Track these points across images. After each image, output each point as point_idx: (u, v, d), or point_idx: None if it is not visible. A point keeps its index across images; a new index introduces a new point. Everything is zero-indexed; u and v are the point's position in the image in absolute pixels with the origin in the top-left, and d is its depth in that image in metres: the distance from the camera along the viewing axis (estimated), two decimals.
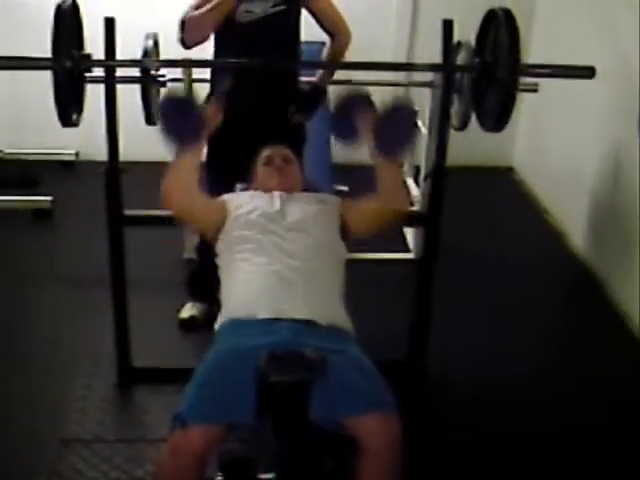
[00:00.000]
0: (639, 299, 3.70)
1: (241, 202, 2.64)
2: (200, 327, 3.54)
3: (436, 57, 2.90)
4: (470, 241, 4.59)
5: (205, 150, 3.30)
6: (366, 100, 2.62)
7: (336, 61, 3.33)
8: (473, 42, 2.79)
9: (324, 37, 3.35)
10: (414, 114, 2.61)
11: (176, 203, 2.55)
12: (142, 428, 3.00)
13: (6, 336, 3.53)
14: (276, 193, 2.66)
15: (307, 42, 3.38)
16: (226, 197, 2.71)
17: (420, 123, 4.55)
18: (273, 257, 2.44)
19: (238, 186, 2.93)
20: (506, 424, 3.08)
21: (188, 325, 3.60)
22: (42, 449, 2.84)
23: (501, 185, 5.64)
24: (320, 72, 3.40)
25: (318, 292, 2.43)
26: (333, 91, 3.65)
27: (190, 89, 3.38)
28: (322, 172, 4.19)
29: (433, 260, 3.16)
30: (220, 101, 2.73)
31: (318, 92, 3.38)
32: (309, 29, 3.32)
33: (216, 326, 2.44)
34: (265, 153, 2.82)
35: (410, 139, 2.60)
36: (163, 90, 3.24)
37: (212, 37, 3.18)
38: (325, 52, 3.34)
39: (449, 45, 2.87)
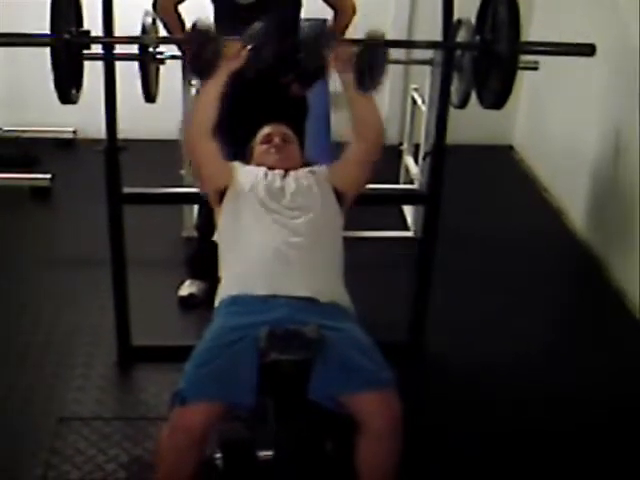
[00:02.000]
0: (639, 278, 3.70)
1: (246, 175, 2.63)
2: (200, 304, 3.55)
3: (436, 35, 2.88)
4: (470, 220, 4.59)
5: None
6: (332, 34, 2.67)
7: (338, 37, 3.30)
8: (473, 20, 2.77)
9: (324, 14, 3.33)
10: (386, 50, 2.62)
11: (192, 138, 2.59)
12: (142, 406, 3.01)
13: (5, 315, 3.54)
14: (276, 171, 2.65)
15: (308, 19, 3.35)
16: (235, 164, 2.69)
17: (420, 100, 4.55)
18: (273, 234, 2.44)
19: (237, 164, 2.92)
20: (506, 403, 3.10)
21: (187, 302, 3.61)
22: (41, 427, 2.84)
23: (501, 163, 5.63)
24: None
25: (318, 269, 2.43)
26: None
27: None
28: (322, 150, 4.17)
29: (432, 238, 3.16)
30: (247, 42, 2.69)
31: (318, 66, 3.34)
32: (310, 4, 3.29)
33: (216, 303, 2.44)
34: (264, 132, 2.81)
35: (383, 74, 2.59)
36: (162, 67, 3.24)
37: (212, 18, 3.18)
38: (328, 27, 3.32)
39: (449, 23, 2.86)
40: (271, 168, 2.68)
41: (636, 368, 3.35)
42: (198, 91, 2.51)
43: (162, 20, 3.23)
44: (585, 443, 2.91)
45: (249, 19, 3.06)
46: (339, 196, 2.61)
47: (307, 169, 2.70)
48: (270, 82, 3.21)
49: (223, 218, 2.57)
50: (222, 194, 2.58)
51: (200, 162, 2.62)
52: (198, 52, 2.48)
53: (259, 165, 2.72)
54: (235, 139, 2.99)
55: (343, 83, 2.61)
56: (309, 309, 2.29)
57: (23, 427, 2.85)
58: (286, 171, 2.66)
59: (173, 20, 3.19)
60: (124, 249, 3.09)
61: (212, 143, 2.58)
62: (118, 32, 2.77)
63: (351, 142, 2.62)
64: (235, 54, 2.56)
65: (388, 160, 4.92)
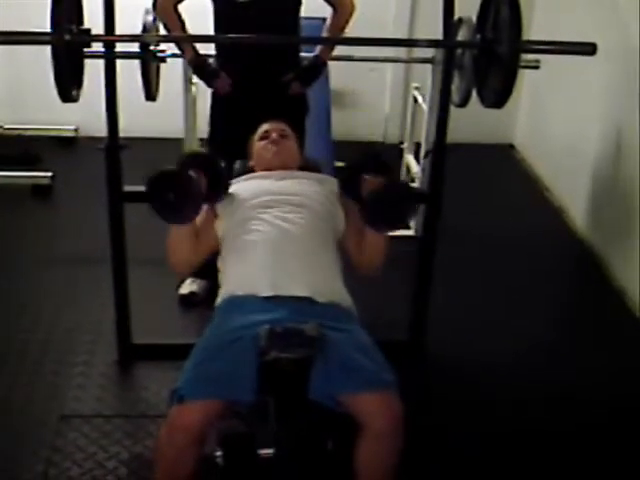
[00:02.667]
0: (638, 276, 3.70)
1: (235, 197, 2.59)
2: (200, 303, 3.55)
3: (437, 33, 2.88)
4: (470, 218, 4.59)
5: (208, 127, 3.33)
6: (377, 162, 2.61)
7: (337, 36, 3.31)
8: (474, 18, 2.77)
9: (324, 12, 3.34)
10: (411, 191, 2.54)
11: (188, 270, 2.67)
12: (142, 404, 3.01)
13: (6, 313, 3.54)
14: (274, 172, 2.67)
15: (307, 18, 3.36)
16: (218, 208, 2.59)
17: (421, 99, 4.55)
18: (272, 234, 2.44)
19: (237, 162, 2.94)
20: (506, 402, 3.10)
21: (188, 301, 3.61)
22: (42, 424, 2.85)
23: (502, 162, 5.64)
24: (320, 46, 3.38)
25: (318, 268, 2.43)
26: (333, 66, 3.68)
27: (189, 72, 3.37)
28: (322, 148, 4.17)
29: (433, 237, 3.16)
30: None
31: (318, 63, 3.35)
32: (310, 3, 3.30)
33: (216, 302, 2.44)
34: (262, 128, 2.84)
35: (402, 219, 2.53)
36: (163, 65, 3.24)
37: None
38: (326, 26, 3.32)
39: (450, 21, 2.86)
40: (267, 164, 2.69)
41: (636, 367, 3.35)
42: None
43: (162, 20, 3.23)
44: (585, 443, 2.91)
45: (248, 18, 3.09)
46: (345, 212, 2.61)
47: (313, 175, 2.72)
48: (270, 81, 3.22)
49: (222, 219, 2.57)
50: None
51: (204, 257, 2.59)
52: (176, 201, 2.34)
53: (258, 161, 2.76)
54: (236, 138, 2.99)
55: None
56: (309, 309, 2.28)
57: (24, 425, 2.85)
58: (284, 168, 2.68)
59: (173, 20, 3.19)
60: (125, 247, 3.09)
61: (199, 250, 2.53)
62: (119, 30, 2.76)
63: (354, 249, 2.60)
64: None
65: (389, 158, 4.94)
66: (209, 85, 3.32)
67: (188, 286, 3.66)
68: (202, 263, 2.58)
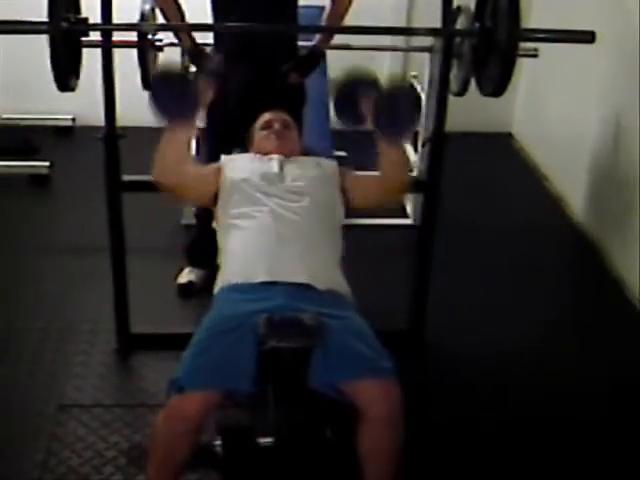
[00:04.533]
0: (638, 266, 3.71)
1: (238, 165, 2.64)
2: (199, 292, 3.55)
3: (435, 22, 2.88)
4: (469, 207, 4.59)
5: (204, 117, 3.32)
6: (370, 83, 2.60)
7: (335, 25, 3.30)
8: (473, 7, 2.76)
9: (322, 1, 3.33)
10: (413, 94, 2.59)
11: (168, 182, 2.55)
12: (141, 393, 3.02)
13: (4, 303, 3.54)
14: (275, 156, 2.66)
15: (305, 6, 3.35)
16: (223, 160, 2.70)
17: (419, 88, 4.54)
18: (271, 220, 2.45)
19: (236, 151, 2.91)
20: (507, 390, 3.11)
21: (186, 290, 3.61)
22: (41, 414, 2.86)
23: (500, 151, 5.61)
24: (318, 35, 3.37)
25: (316, 255, 2.43)
26: (331, 55, 3.67)
27: (185, 61, 3.40)
28: (321, 137, 4.17)
29: (432, 226, 3.16)
30: (210, 78, 2.71)
31: (316, 53, 3.35)
32: None
33: (214, 291, 2.44)
34: (264, 118, 2.83)
35: (410, 121, 2.60)
36: (161, 55, 3.23)
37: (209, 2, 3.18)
38: (324, 15, 3.31)
39: (449, 10, 2.86)
40: (268, 154, 2.68)
41: (635, 356, 3.36)
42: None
43: (160, 9, 3.23)
44: (585, 433, 2.91)
45: (246, 6, 3.07)
46: (344, 197, 2.64)
47: (313, 158, 2.72)
48: (268, 70, 3.21)
49: (220, 208, 2.58)
50: (215, 196, 2.60)
51: (188, 192, 2.66)
52: (175, 101, 2.43)
53: (259, 151, 2.74)
54: (234, 126, 2.99)
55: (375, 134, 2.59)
56: (307, 296, 2.29)
57: (23, 414, 2.86)
58: (286, 156, 2.66)
59: (171, 9, 3.18)
60: (123, 237, 3.09)
61: (190, 169, 2.60)
62: (116, 19, 2.76)
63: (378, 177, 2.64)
64: (204, 93, 2.58)
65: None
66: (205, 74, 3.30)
67: (186, 275, 3.66)
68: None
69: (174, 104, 2.43)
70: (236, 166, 2.64)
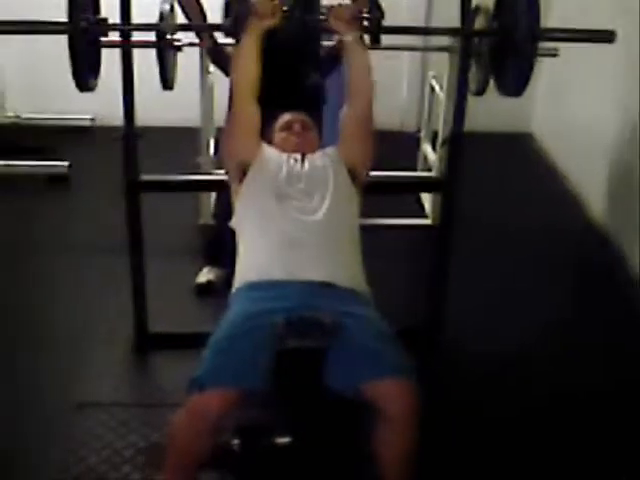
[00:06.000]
0: None
1: (270, 157, 2.64)
2: (217, 291, 3.56)
3: (454, 21, 2.88)
4: (488, 207, 4.57)
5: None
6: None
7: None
8: (492, 6, 2.76)
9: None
10: None
11: (237, 97, 2.64)
12: (159, 393, 3.03)
13: (24, 302, 3.57)
14: (296, 155, 2.66)
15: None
16: (263, 144, 2.68)
17: (438, 88, 4.54)
18: (290, 219, 2.45)
19: None
20: (524, 389, 3.10)
21: (205, 289, 3.63)
22: (60, 413, 2.87)
23: (519, 151, 5.61)
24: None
25: (335, 254, 2.43)
26: None
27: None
28: (338, 138, 4.15)
29: (450, 227, 3.16)
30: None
31: (335, 54, 3.31)
32: None
33: (232, 290, 2.45)
34: (284, 119, 2.82)
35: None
36: (180, 54, 3.23)
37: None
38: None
39: (467, 9, 2.86)
40: (289, 154, 2.68)
41: None
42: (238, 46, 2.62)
43: (181, 7, 3.23)
44: (604, 421, 2.93)
45: None
46: (352, 173, 2.63)
47: (320, 151, 2.72)
48: (289, 70, 3.21)
49: (241, 203, 2.58)
50: (244, 172, 2.59)
51: (238, 126, 2.64)
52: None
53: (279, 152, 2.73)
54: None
55: (343, 43, 2.67)
56: (326, 294, 2.29)
57: (42, 413, 2.87)
58: (303, 155, 2.67)
59: (193, 7, 3.18)
60: (142, 237, 3.10)
61: (253, 107, 2.62)
62: (135, 19, 2.78)
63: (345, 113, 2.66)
64: (269, 12, 2.59)
65: (406, 147, 4.94)
66: (226, 74, 3.31)
67: (205, 275, 3.67)
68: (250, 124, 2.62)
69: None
70: (269, 156, 2.64)
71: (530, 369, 3.24)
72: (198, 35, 3.23)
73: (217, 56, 3.28)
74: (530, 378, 3.18)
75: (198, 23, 3.15)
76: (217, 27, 3.30)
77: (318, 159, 2.65)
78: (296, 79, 3.25)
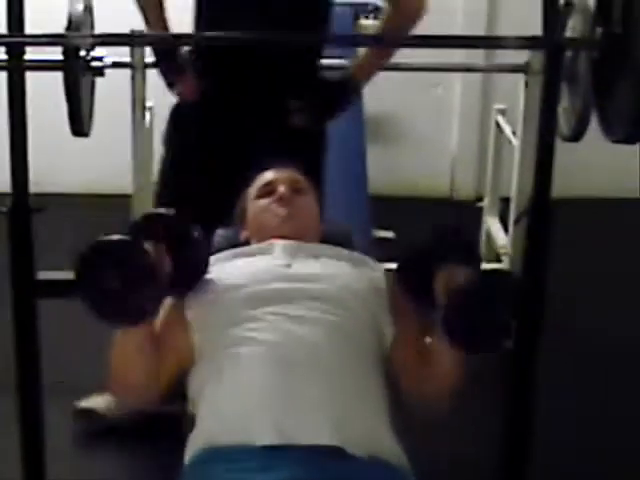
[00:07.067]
0: None
1: (217, 286, 2.61)
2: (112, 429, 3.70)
3: (531, 27, 2.84)
4: (585, 309, 4.70)
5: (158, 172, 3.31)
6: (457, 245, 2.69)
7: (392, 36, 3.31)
8: (592, 4, 2.74)
9: None
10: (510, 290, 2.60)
11: (142, 399, 2.68)
12: None
13: None
14: (278, 242, 2.67)
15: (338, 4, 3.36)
16: (189, 313, 2.61)
17: (508, 129, 4.50)
18: (278, 345, 2.43)
19: (218, 232, 2.94)
20: None
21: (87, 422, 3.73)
22: None
23: (630, 224, 5.69)
24: (357, 53, 3.40)
25: (350, 400, 2.40)
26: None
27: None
28: (354, 208, 4.17)
29: (532, 347, 3.08)
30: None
31: (348, 85, 3.37)
32: None
33: (186, 457, 2.38)
34: (263, 178, 2.86)
35: (499, 335, 2.57)
36: (101, 82, 3.21)
37: None
38: (378, 22, 3.33)
39: (554, 9, 2.83)
40: (270, 237, 2.72)
41: None
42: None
43: (140, 9, 3.31)
44: None
45: None
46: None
47: (346, 254, 2.74)
48: (269, 105, 3.24)
49: (199, 324, 2.56)
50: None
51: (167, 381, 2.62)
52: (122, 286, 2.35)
53: (258, 233, 2.79)
54: (210, 191, 3.05)
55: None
56: (336, 470, 2.24)
57: None
58: (298, 239, 2.70)
59: (154, 11, 3.29)
60: (39, 369, 3.01)
61: (163, 363, 2.55)
62: (32, 28, 2.74)
63: None
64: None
65: (461, 223, 4.94)
66: (170, 86, 3.36)
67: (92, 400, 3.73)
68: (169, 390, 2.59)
69: (120, 296, 2.36)
70: (218, 275, 2.64)
71: None
72: (155, 51, 3.25)
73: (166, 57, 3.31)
74: None
75: (130, 33, 3.14)
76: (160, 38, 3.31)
77: (339, 263, 2.68)
78: (279, 120, 3.26)
